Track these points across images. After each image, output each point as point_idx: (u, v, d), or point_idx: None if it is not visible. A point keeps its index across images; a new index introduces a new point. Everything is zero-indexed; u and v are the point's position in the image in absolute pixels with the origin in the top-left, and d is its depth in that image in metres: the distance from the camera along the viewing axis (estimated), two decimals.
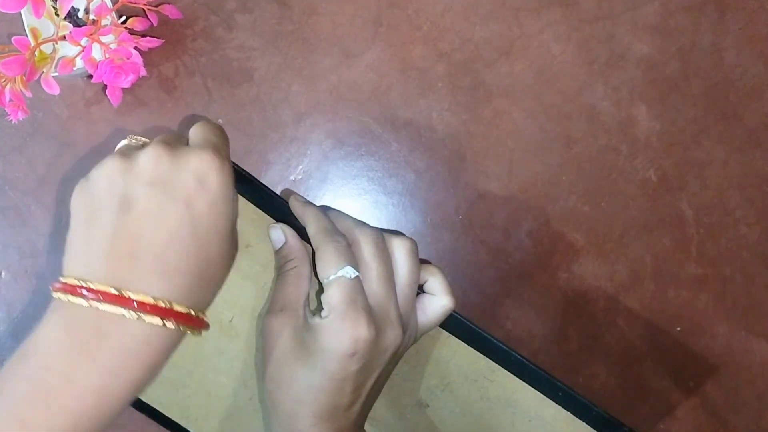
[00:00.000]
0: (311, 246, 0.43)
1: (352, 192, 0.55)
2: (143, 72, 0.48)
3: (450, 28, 0.54)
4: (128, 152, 0.34)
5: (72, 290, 0.31)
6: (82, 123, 0.53)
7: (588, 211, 0.55)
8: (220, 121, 0.54)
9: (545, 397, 0.48)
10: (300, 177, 0.54)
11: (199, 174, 0.32)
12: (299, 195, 0.47)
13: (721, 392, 0.55)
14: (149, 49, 0.49)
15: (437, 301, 0.44)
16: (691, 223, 0.55)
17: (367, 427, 0.44)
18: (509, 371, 0.48)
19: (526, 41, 0.55)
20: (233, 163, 0.40)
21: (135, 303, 0.30)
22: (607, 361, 0.55)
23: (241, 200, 0.45)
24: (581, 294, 0.55)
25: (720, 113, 0.55)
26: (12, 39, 0.45)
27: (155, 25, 0.49)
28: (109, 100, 0.49)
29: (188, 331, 0.33)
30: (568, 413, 0.48)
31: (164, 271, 0.31)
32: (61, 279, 0.33)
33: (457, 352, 0.48)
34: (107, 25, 0.47)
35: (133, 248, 0.31)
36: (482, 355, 0.48)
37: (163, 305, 0.31)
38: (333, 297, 0.39)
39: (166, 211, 0.32)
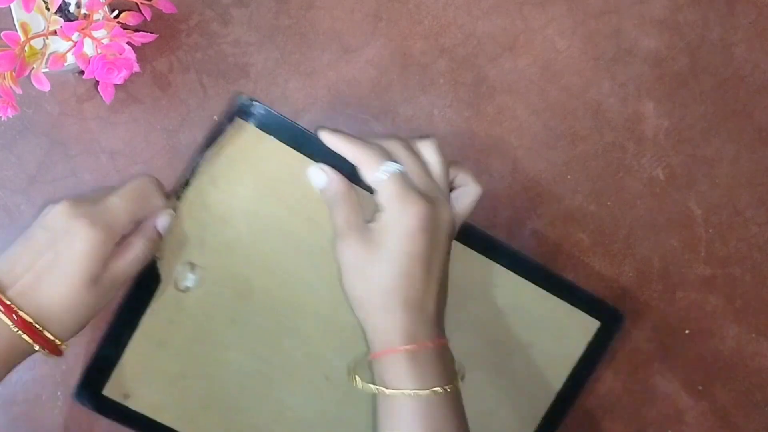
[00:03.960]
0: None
1: None
2: (136, 68, 0.47)
3: (452, 22, 0.54)
4: (62, 199, 0.44)
5: None
6: (74, 120, 0.53)
7: (594, 210, 0.54)
8: (215, 118, 0.53)
9: (545, 292, 0.51)
10: None
11: (72, 235, 0.42)
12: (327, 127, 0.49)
13: (731, 396, 0.55)
14: (143, 44, 0.48)
15: (467, 190, 0.48)
16: (700, 223, 0.54)
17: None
18: (514, 271, 0.51)
19: (531, 36, 0.54)
20: (265, 107, 0.48)
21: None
22: (613, 365, 0.54)
23: (275, 143, 0.48)
24: None
25: (730, 110, 0.54)
26: (1, 34, 0.44)
27: (149, 19, 0.48)
28: (102, 97, 0.48)
29: (31, 338, 0.42)
30: (564, 302, 0.51)
31: (30, 295, 0.42)
32: None
33: (468, 261, 0.51)
34: (99, 19, 0.46)
35: (20, 270, 0.43)
36: (491, 261, 0.51)
37: (21, 314, 0.42)
38: (387, 190, 0.44)
39: (41, 255, 0.43)
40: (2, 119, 0.46)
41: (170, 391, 0.50)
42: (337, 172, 0.47)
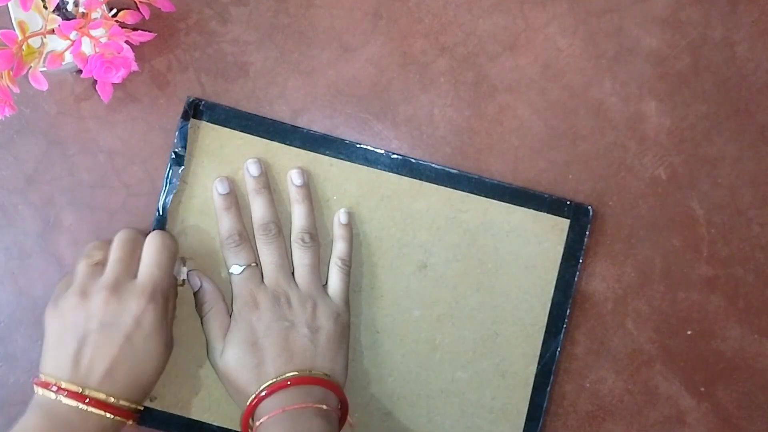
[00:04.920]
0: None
1: None
2: (135, 67, 0.47)
3: (452, 20, 0.53)
4: (86, 290, 0.46)
5: (45, 386, 0.44)
6: (72, 119, 0.52)
7: (595, 210, 0.53)
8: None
9: (510, 205, 0.53)
10: None
11: (137, 316, 0.45)
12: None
13: (733, 397, 0.54)
14: (141, 43, 0.48)
15: None
16: (702, 223, 0.54)
17: (377, 308, 0.53)
18: (475, 194, 0.53)
19: (532, 35, 0.54)
20: (212, 103, 0.52)
21: (88, 399, 0.44)
22: (615, 366, 0.54)
23: (229, 132, 0.53)
24: (588, 296, 0.54)
25: (732, 109, 0.54)
26: None
27: (147, 18, 0.48)
28: (100, 96, 0.47)
29: (125, 419, 0.45)
30: (530, 210, 0.53)
31: (112, 381, 0.45)
32: (41, 376, 0.45)
33: (431, 196, 0.53)
34: (97, 18, 0.46)
35: (90, 364, 0.44)
36: (452, 190, 0.53)
37: (112, 401, 0.44)
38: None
39: (112, 345, 0.45)
40: (0, 118, 0.46)
41: (191, 383, 0.52)
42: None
